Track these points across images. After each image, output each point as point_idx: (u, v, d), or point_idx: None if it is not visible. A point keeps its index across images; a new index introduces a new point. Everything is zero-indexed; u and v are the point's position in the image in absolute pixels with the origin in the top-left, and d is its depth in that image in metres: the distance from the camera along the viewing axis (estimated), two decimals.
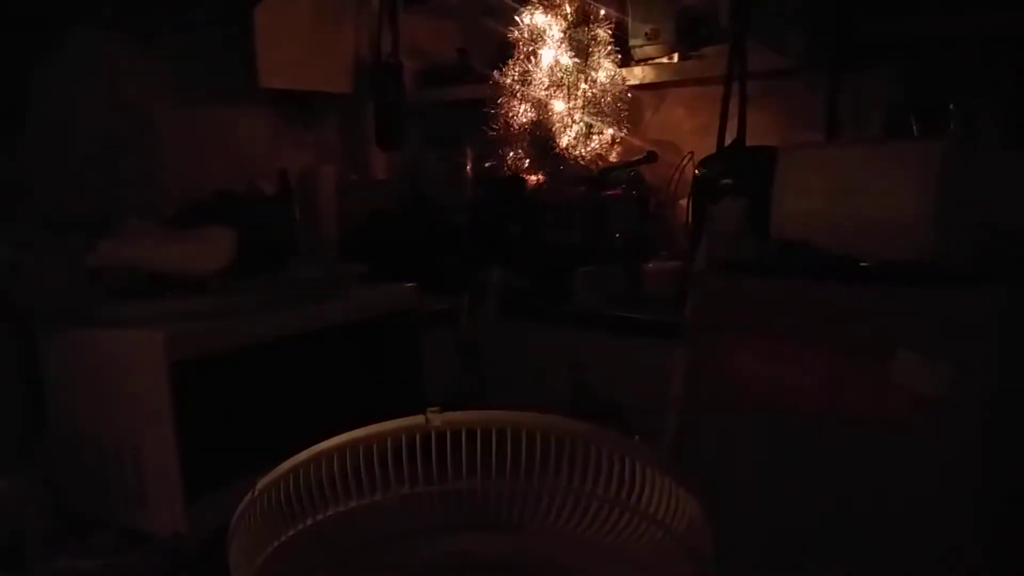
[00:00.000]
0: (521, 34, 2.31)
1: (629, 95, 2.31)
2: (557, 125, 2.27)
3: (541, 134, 2.28)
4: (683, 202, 2.22)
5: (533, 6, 2.30)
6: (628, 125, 2.34)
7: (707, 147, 2.15)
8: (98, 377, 1.27)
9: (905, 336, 1.09)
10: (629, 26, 2.31)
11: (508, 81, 2.31)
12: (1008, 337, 1.06)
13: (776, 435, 1.23)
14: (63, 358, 1.36)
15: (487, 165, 2.45)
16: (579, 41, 2.26)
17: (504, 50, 2.40)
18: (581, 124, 2.27)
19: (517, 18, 2.31)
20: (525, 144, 2.31)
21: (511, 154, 2.34)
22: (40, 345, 1.40)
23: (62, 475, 1.36)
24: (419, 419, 0.69)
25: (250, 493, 0.72)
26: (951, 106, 1.87)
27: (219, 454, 1.24)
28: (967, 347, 1.06)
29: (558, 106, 2.27)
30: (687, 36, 2.23)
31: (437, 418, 0.68)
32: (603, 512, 0.72)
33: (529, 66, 2.29)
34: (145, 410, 1.20)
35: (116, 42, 1.98)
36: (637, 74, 2.31)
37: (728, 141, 2.01)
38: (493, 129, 2.34)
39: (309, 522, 0.70)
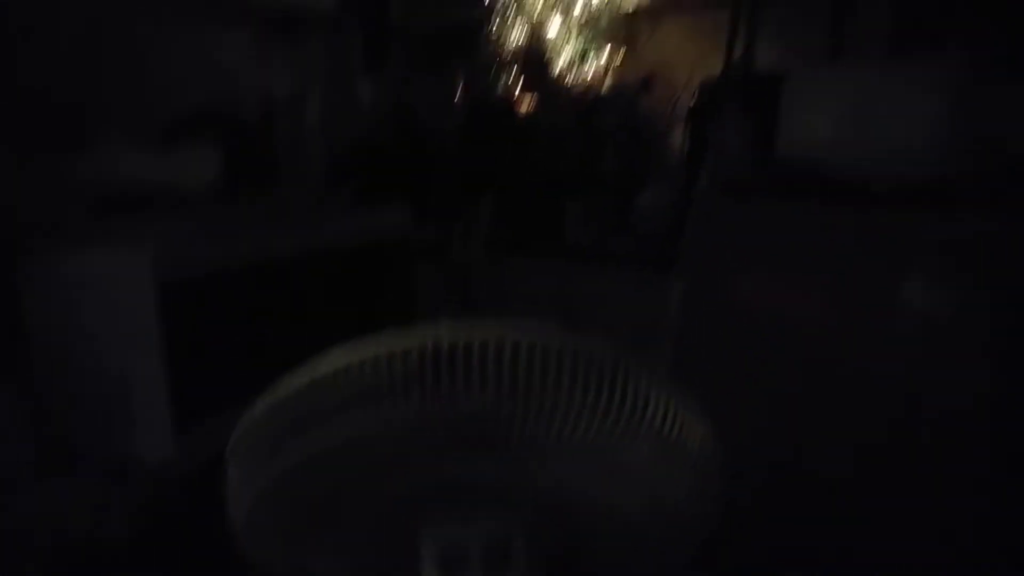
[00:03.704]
0: None
1: (625, 18, 2.24)
2: (551, 49, 2.20)
3: (534, 59, 2.21)
4: (679, 131, 2.17)
5: None
6: (624, 48, 2.27)
7: (703, 75, 2.09)
8: (82, 298, 1.22)
9: (913, 260, 1.07)
10: None
11: (501, 3, 2.23)
12: (1017, 260, 1.03)
13: (781, 364, 1.21)
14: (43, 279, 1.31)
15: (479, 91, 2.37)
16: None
17: None
18: (576, 48, 2.20)
19: None
20: (518, 69, 2.24)
21: (503, 80, 2.27)
22: (17, 265, 1.33)
23: (46, 401, 1.31)
24: (433, 330, 0.66)
25: (249, 413, 0.69)
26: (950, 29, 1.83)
27: (210, 379, 1.20)
28: (977, 270, 1.04)
29: (553, 28, 2.19)
30: None
31: (450, 330, 0.65)
32: (617, 431, 0.70)
33: None
34: (133, 333, 1.16)
35: None
36: None
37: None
38: (486, 54, 2.26)
39: (315, 448, 0.67)
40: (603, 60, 2.23)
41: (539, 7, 2.20)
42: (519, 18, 2.21)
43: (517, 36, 2.21)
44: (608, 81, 2.26)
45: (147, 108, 1.83)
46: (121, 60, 1.89)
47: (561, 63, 2.20)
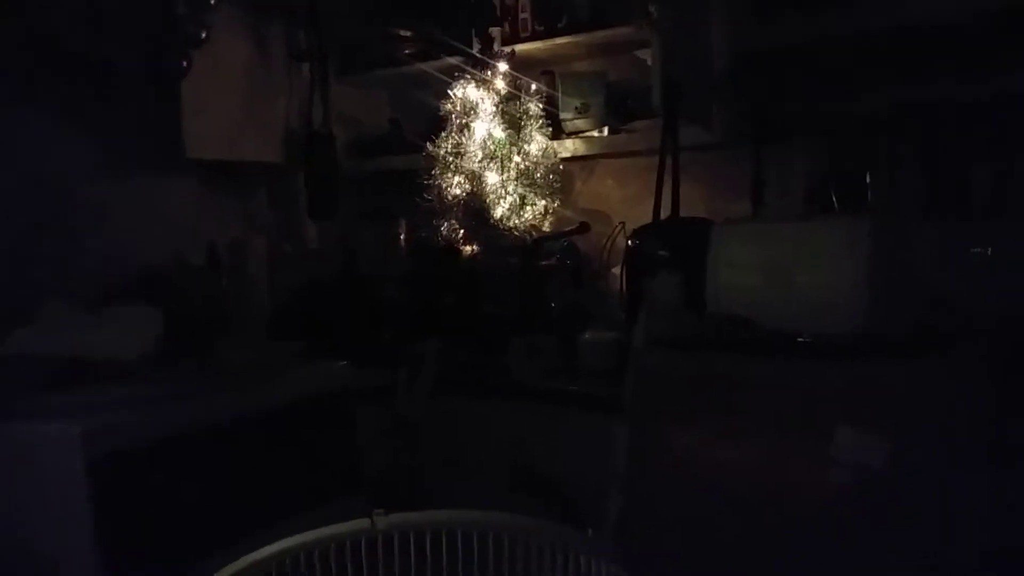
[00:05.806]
0: (454, 107, 2.33)
1: (561, 167, 2.35)
2: (491, 196, 2.28)
3: (475, 205, 2.29)
4: (616, 270, 2.25)
5: (465, 80, 2.32)
6: (560, 196, 2.37)
7: (637, 216, 2.19)
8: (9, 475, 1.18)
9: (844, 410, 1.10)
10: (559, 101, 2.36)
11: (441, 153, 2.32)
12: (946, 406, 1.08)
13: (721, 511, 1.22)
14: None
15: (421, 236, 2.43)
16: (511, 115, 2.29)
17: (435, 122, 2.41)
18: (515, 195, 2.28)
19: (449, 91, 2.33)
20: (459, 215, 2.31)
21: (445, 225, 2.33)
22: None
23: None
24: (364, 522, 0.66)
25: None
26: (867, 177, 1.96)
27: (144, 556, 1.15)
28: (906, 419, 1.07)
29: (491, 178, 2.28)
30: (616, 111, 2.29)
31: (383, 521, 0.66)
32: None
33: (462, 139, 2.30)
34: (62, 512, 1.11)
35: (33, 115, 1.92)
36: (568, 147, 2.35)
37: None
38: (427, 200, 2.34)
39: None
40: (541, 205, 2.32)
41: (479, 156, 2.29)
42: (460, 166, 2.30)
43: (458, 184, 2.29)
44: (546, 224, 2.34)
45: (82, 270, 1.82)
46: (56, 221, 1.90)
47: (502, 208, 2.28)
